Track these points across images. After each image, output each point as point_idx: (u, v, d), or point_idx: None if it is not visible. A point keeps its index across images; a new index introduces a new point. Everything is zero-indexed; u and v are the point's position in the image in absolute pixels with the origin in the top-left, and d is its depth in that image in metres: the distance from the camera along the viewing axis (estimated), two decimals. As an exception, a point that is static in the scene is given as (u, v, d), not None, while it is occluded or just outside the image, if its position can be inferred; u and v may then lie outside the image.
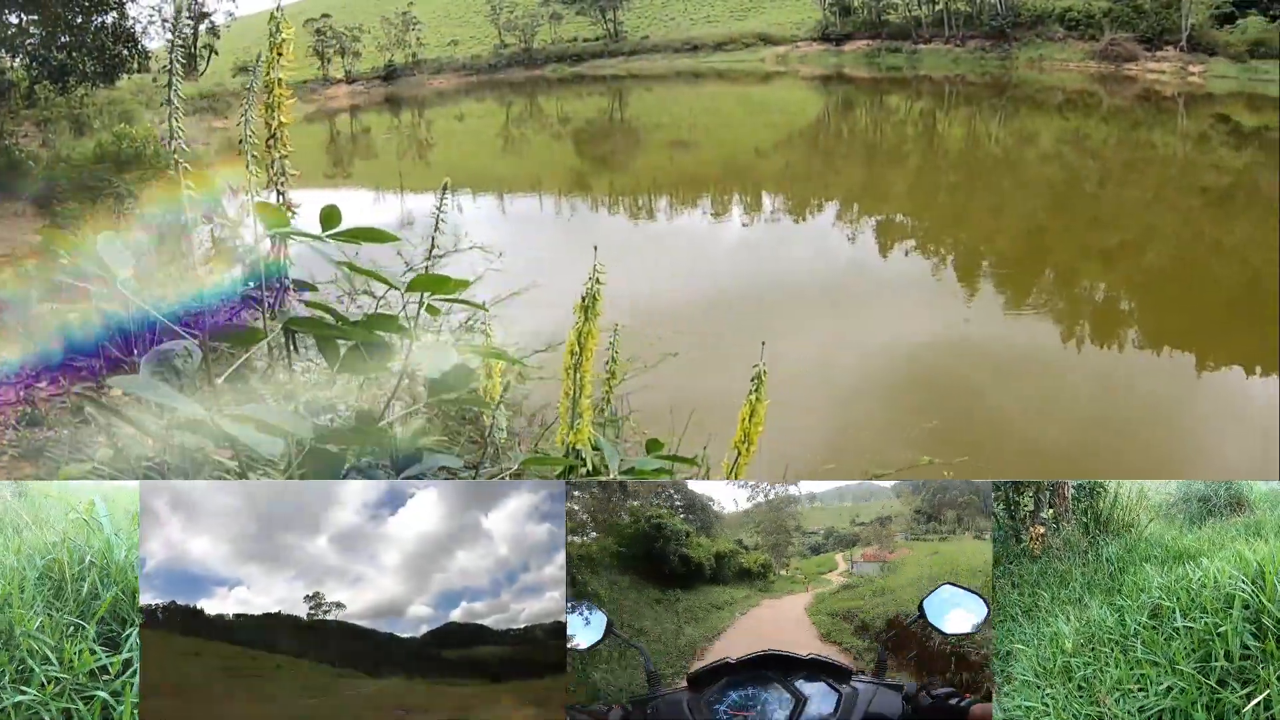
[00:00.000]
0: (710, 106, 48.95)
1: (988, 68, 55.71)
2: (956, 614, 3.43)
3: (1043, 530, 6.15)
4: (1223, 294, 20.84)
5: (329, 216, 3.04)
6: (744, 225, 25.55)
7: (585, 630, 3.35)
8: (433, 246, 3.24)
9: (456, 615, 3.24)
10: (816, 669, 3.28)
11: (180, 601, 3.09)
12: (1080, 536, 6.36)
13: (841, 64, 57.94)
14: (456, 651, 3.22)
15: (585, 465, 3.73)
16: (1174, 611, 4.26)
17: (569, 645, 3.30)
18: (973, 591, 3.48)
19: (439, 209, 3.21)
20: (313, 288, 3.49)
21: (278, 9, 3.20)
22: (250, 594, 3.13)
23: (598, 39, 63.56)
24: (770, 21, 63.40)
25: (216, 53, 50.66)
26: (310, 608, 3.15)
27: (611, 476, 3.79)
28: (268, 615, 3.14)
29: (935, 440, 12.83)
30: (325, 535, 3.20)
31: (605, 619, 3.37)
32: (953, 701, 3.21)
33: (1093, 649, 4.45)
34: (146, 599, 3.07)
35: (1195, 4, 53.65)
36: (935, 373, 14.86)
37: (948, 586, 3.49)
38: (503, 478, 3.69)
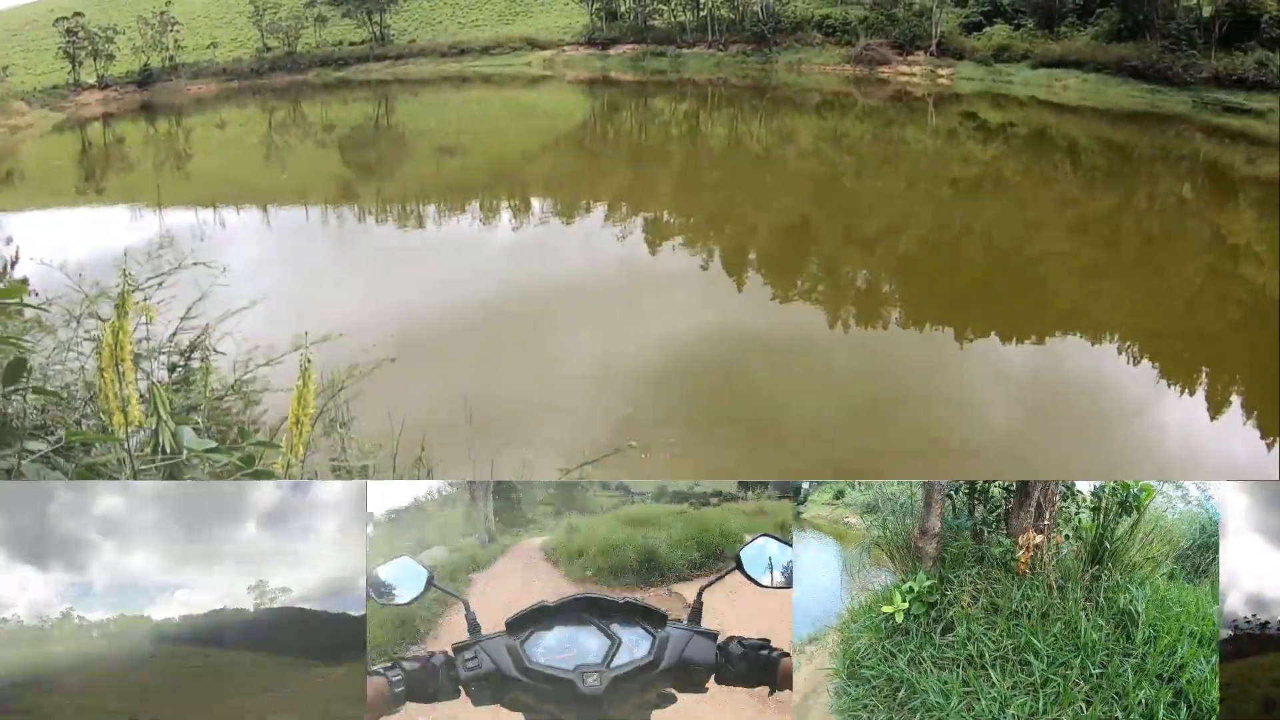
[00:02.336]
0: (477, 111, 48.59)
1: (749, 71, 57.26)
2: (773, 565, 3.54)
3: (1040, 540, 4.52)
4: (975, 273, 21.96)
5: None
6: (514, 229, 25.38)
7: (406, 584, 3.41)
8: None
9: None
10: (632, 613, 3.35)
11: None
12: (1078, 560, 4.59)
13: (607, 67, 58.49)
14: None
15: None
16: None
17: (393, 601, 3.41)
18: (789, 544, 3.58)
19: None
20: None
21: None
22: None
23: (363, 42, 62.14)
24: (537, 26, 63.40)
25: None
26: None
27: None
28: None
29: (709, 425, 13.09)
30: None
31: (426, 573, 3.42)
32: (764, 652, 3.30)
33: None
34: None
35: (946, 13, 56.64)
36: (709, 362, 15.08)
37: (765, 538, 3.57)
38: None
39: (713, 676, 3.31)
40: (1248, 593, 3.56)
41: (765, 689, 3.35)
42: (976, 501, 4.80)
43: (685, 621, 3.41)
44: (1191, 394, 15.83)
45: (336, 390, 6.60)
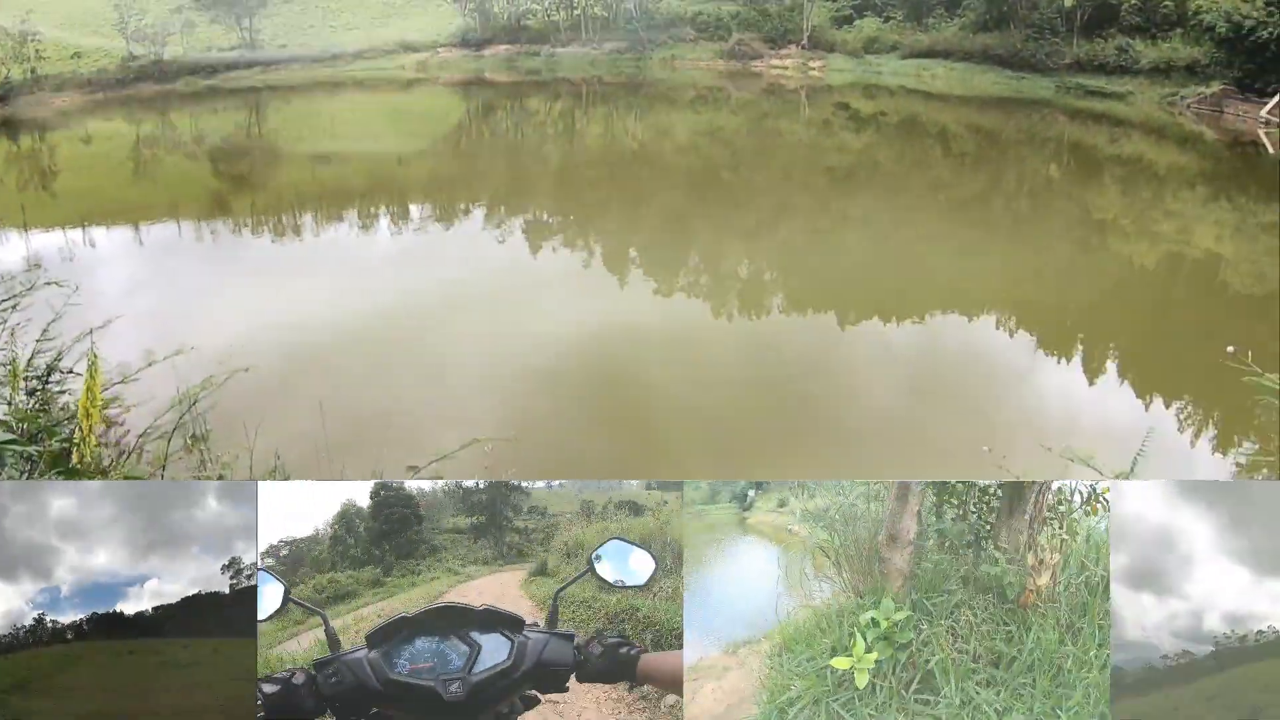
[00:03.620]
0: (351, 117, 47.78)
1: (623, 68, 57.42)
2: (625, 567, 3.58)
3: (1056, 560, 3.77)
4: (854, 258, 22.29)
5: None
6: (393, 236, 24.98)
7: (263, 600, 3.45)
8: None
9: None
10: (491, 620, 3.39)
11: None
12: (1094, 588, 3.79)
13: (482, 69, 58.06)
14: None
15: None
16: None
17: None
18: (641, 546, 3.62)
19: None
20: None
21: None
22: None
23: (233, 48, 60.43)
24: (411, 28, 62.59)
25: None
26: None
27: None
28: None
29: (597, 422, 13.01)
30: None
31: (283, 588, 3.44)
32: (623, 650, 3.35)
33: None
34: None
35: (817, 7, 57.56)
36: (594, 359, 15.02)
37: (616, 541, 3.62)
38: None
39: (573, 675, 3.37)
40: (1223, 611, 3.63)
41: (625, 684, 3.48)
42: (947, 504, 4.10)
43: (543, 625, 3.47)
44: (1069, 361, 16.25)
45: (191, 404, 6.43)
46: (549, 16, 62.31)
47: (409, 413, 12.54)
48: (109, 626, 3.47)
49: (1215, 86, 42.92)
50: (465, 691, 3.17)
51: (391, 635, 3.32)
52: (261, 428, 7.09)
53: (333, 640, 3.36)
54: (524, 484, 4.83)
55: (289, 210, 27.61)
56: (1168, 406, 13.99)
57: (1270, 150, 37.14)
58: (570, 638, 3.39)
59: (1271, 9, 40.34)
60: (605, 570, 3.56)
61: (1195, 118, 41.98)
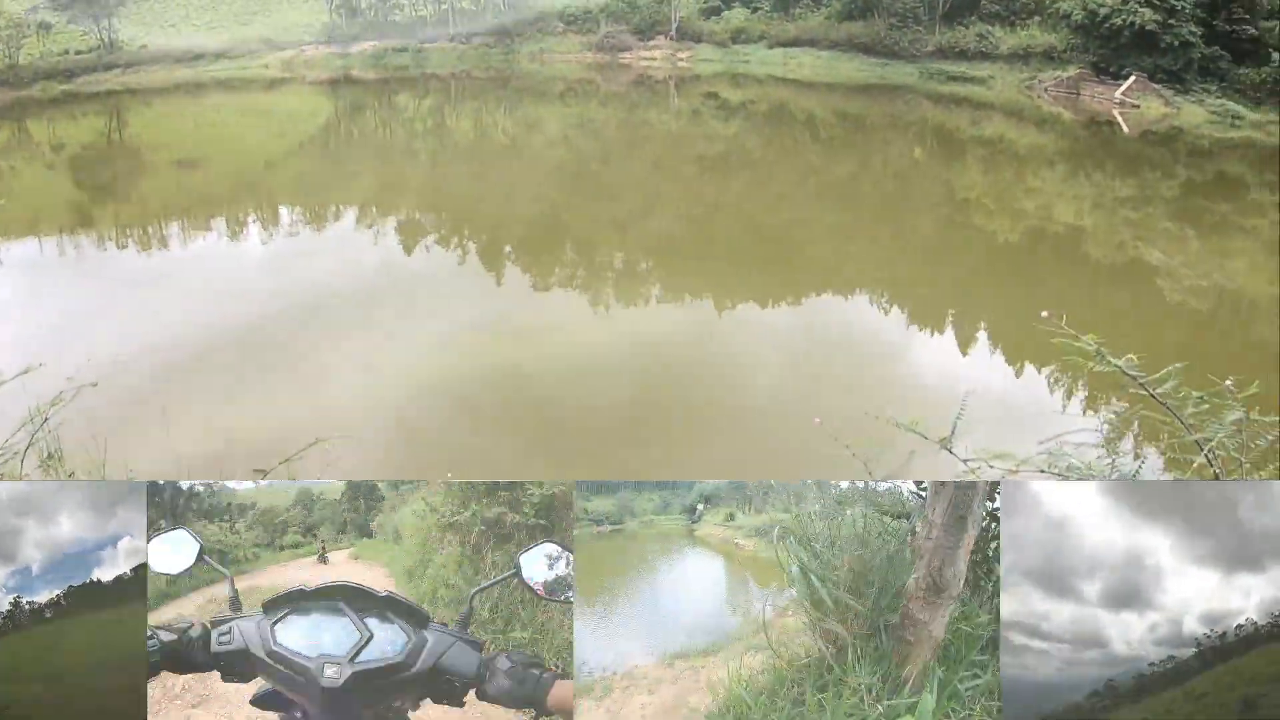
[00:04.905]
0: (216, 119, 46.52)
1: (492, 62, 56.91)
2: (554, 575, 3.40)
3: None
4: (728, 244, 22.47)
5: None
6: (263, 242, 24.39)
7: (174, 557, 3.42)
8: None
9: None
10: (393, 609, 3.19)
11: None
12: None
13: (349, 66, 56.84)
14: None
15: None
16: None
17: (159, 571, 3.42)
18: (570, 551, 3.43)
19: None
20: None
21: None
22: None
23: (91, 50, 58.01)
24: (275, 26, 61.03)
25: None
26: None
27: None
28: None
29: (482, 422, 12.91)
30: None
31: (198, 545, 3.44)
32: (534, 672, 3.09)
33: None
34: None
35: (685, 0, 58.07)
36: (473, 357, 14.89)
37: (546, 544, 3.43)
38: None
39: (473, 691, 3.12)
40: (1201, 612, 3.68)
41: (531, 712, 3.11)
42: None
43: (454, 625, 3.25)
44: (941, 333, 16.64)
45: (41, 422, 6.19)
46: (416, 11, 61.53)
47: (278, 418, 12.28)
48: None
49: (1072, 70, 44.55)
50: (341, 678, 2.99)
51: (286, 605, 3.20)
52: (120, 442, 6.92)
53: (234, 601, 3.33)
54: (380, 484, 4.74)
55: (154, 220, 26.77)
56: (1039, 372, 14.43)
57: (1125, 129, 38.68)
58: (478, 646, 3.16)
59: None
60: (533, 574, 3.39)
61: (1052, 100, 43.44)
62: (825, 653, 3.37)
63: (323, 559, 6.14)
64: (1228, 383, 4.30)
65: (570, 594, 3.42)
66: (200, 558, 3.43)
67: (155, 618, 3.41)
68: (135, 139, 43.23)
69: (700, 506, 4.25)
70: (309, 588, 3.22)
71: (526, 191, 28.65)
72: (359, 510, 6.40)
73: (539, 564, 3.39)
